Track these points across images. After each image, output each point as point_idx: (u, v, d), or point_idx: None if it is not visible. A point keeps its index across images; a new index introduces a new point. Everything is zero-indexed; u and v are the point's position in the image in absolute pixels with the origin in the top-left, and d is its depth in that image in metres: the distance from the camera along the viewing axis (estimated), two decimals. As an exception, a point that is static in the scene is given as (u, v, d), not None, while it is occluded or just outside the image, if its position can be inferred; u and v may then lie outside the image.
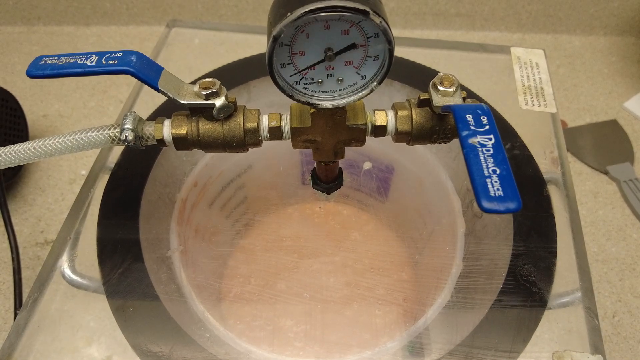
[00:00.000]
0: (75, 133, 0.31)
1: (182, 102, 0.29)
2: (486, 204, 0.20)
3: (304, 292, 0.48)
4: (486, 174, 0.21)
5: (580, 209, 0.58)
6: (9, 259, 0.51)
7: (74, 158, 0.64)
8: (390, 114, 0.31)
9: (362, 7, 0.23)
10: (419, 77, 0.46)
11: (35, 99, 0.71)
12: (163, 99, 0.34)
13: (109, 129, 0.31)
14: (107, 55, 0.28)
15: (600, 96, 0.72)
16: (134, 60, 0.28)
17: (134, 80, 0.29)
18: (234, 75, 0.46)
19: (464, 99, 0.29)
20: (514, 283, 0.33)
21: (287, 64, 0.26)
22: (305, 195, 0.56)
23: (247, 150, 0.32)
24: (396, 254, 0.52)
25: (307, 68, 0.26)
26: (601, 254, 0.56)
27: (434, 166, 0.43)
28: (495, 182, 0.21)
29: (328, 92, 0.28)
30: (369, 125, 0.31)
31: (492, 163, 0.21)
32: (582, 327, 0.31)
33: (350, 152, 0.35)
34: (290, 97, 0.28)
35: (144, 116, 0.38)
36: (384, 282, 0.50)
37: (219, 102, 0.29)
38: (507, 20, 0.80)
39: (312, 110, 0.30)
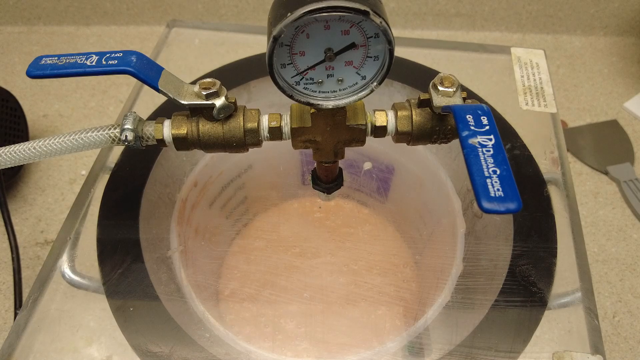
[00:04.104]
0: (75, 133, 0.31)
1: (182, 102, 0.29)
2: (486, 205, 0.20)
3: (304, 291, 0.48)
4: (486, 174, 0.21)
5: (581, 209, 0.58)
6: (9, 259, 0.51)
7: (74, 158, 0.64)
8: (391, 114, 0.31)
9: (362, 7, 0.23)
10: (419, 77, 0.46)
11: (35, 99, 0.71)
12: (163, 99, 0.34)
13: (109, 129, 0.31)
14: (107, 55, 0.28)
15: (601, 96, 0.72)
16: (134, 60, 0.28)
17: (134, 80, 0.29)
18: (234, 75, 0.46)
19: (464, 99, 0.29)
20: (514, 283, 0.33)
21: (287, 64, 0.26)
22: (305, 195, 0.56)
23: (247, 150, 0.32)
24: (396, 254, 0.52)
25: (308, 69, 0.26)
26: (601, 254, 0.56)
27: (434, 166, 0.43)
28: (496, 182, 0.21)
29: (328, 92, 0.28)
30: (369, 125, 0.31)
31: (492, 163, 0.21)
32: (582, 327, 0.31)
33: (350, 152, 0.35)
34: (290, 97, 0.27)
35: (144, 116, 0.38)
36: (384, 282, 0.50)
37: (219, 102, 0.29)
38: (507, 20, 0.80)
39: (312, 110, 0.30)
